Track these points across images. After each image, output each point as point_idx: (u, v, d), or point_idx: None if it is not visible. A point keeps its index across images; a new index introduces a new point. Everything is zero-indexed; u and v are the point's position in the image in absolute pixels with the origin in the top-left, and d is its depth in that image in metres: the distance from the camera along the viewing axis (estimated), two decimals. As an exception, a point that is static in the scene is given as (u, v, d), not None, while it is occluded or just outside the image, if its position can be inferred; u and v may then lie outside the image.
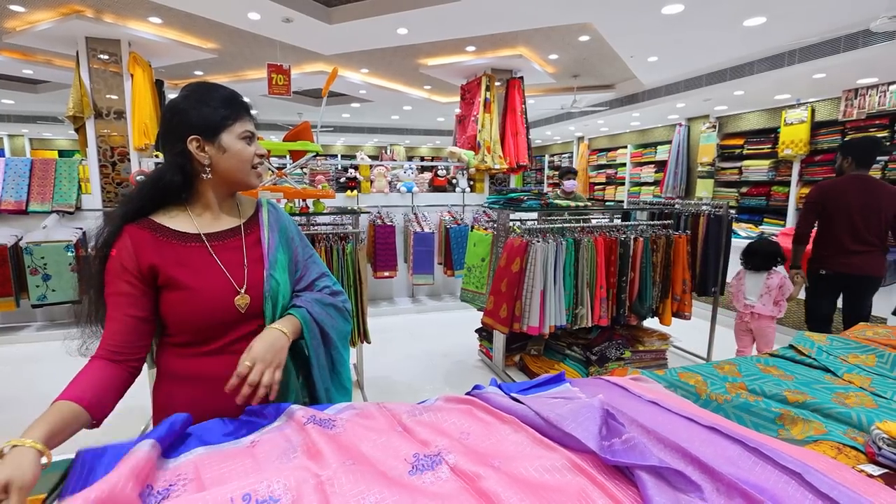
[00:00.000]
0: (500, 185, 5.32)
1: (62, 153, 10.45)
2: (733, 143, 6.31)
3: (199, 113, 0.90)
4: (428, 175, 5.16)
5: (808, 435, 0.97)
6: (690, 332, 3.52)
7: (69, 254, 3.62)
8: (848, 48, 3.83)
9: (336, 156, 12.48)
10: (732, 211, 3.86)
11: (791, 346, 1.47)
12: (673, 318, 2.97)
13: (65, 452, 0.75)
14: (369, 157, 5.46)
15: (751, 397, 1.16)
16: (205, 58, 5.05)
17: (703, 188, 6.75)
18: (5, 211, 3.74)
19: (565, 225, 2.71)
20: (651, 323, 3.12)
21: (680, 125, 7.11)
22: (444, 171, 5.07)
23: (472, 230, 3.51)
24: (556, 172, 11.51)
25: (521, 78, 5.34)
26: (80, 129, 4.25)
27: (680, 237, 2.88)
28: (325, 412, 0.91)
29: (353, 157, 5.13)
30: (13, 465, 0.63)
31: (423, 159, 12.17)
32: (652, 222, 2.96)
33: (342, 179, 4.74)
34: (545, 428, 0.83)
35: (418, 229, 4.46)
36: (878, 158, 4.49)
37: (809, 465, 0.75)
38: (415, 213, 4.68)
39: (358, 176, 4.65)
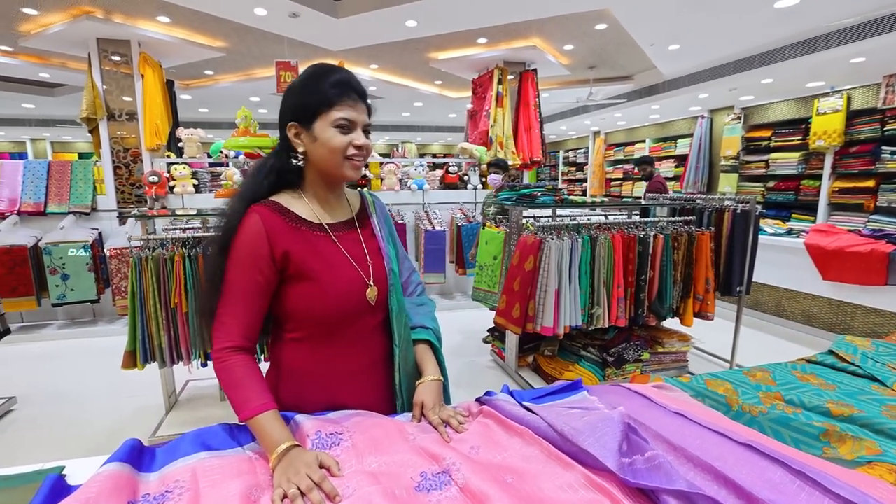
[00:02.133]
0: (513, 181, 5.21)
1: (82, 155, 10.73)
2: (760, 135, 6.04)
3: (301, 98, 0.85)
4: (439, 172, 5.08)
5: (859, 455, 0.86)
6: (713, 334, 3.37)
7: (85, 254, 3.66)
8: (891, 28, 3.55)
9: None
10: (759, 206, 3.69)
11: (831, 352, 1.35)
12: (695, 319, 2.83)
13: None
14: (381, 155, 5.40)
15: (788, 409, 1.05)
16: (214, 56, 5.07)
17: (727, 183, 6.49)
18: (25, 212, 3.82)
19: (581, 222, 2.60)
20: (671, 323, 2.99)
21: (702, 117, 6.86)
22: (456, 168, 4.98)
23: (483, 227, 3.42)
24: (561, 169, 11.30)
25: (535, 70, 5.21)
26: (94, 131, 4.31)
27: (703, 234, 2.74)
28: (330, 417, 0.88)
29: (364, 154, 5.06)
30: (308, 458, 0.72)
31: (434, 156, 12.12)
32: (672, 219, 2.82)
33: (353, 177, 4.70)
34: (559, 442, 0.77)
35: (429, 227, 4.39)
36: (887, 149, 4.64)
37: (867, 494, 0.65)
38: (426, 211, 4.61)
39: (368, 173, 4.60)
